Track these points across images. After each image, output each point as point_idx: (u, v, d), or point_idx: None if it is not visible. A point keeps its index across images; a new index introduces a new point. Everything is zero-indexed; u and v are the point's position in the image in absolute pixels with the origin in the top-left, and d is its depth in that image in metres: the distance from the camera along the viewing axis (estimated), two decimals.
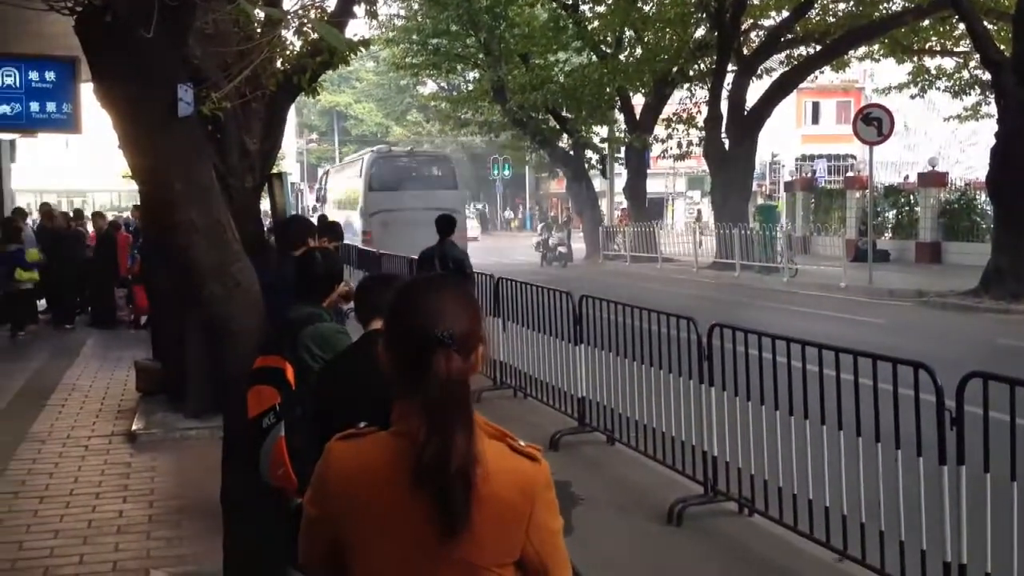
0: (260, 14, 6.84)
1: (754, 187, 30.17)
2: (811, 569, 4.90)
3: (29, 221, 17.11)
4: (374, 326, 3.21)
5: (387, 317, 1.81)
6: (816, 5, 24.32)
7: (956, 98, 26.63)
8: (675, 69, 26.90)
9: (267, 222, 11.55)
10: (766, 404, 5.36)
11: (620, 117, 30.71)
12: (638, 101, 30.01)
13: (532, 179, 57.76)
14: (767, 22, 26.68)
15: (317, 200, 32.75)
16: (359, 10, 10.84)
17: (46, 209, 16.97)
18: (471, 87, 35.01)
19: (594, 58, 28.62)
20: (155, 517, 5.80)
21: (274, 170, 9.32)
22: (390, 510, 1.68)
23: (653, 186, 35.29)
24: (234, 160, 7.91)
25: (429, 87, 44.67)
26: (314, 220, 9.92)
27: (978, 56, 18.28)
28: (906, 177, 32.08)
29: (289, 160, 51.19)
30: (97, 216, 18.09)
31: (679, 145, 27.67)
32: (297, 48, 8.08)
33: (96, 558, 5.14)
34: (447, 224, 9.75)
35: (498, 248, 37.12)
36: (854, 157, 39.27)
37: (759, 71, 25.73)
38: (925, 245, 24.50)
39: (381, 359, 1.80)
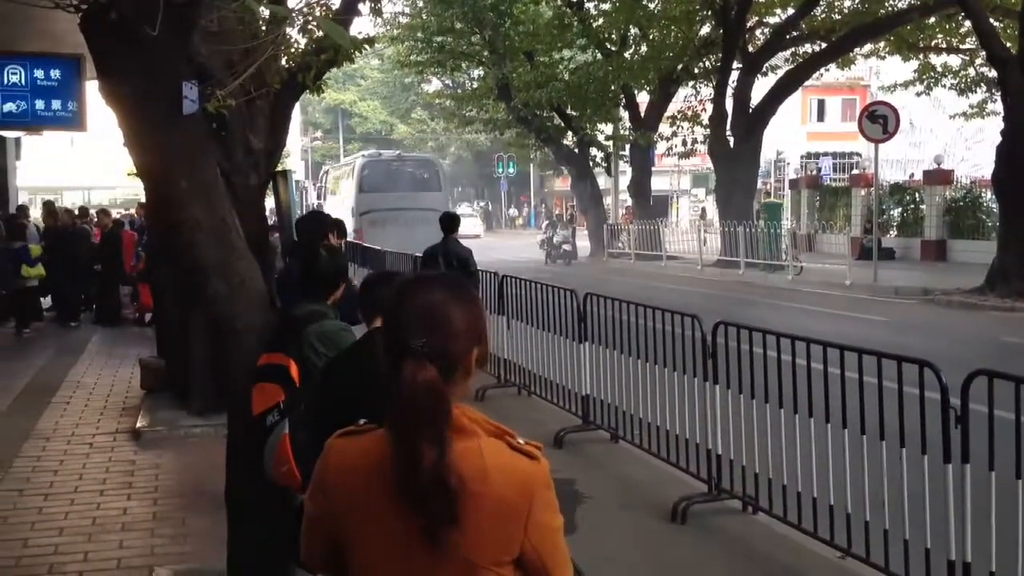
0: (265, 12, 6.84)
1: (759, 185, 30.13)
2: (815, 567, 4.90)
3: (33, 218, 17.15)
4: (376, 324, 3.22)
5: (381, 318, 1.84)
6: (821, 2, 24.30)
7: (962, 95, 26.56)
8: (680, 67, 26.88)
9: (271, 220, 11.56)
10: (770, 402, 5.35)
11: (625, 115, 30.71)
12: (643, 99, 29.99)
13: (537, 177, 57.75)
14: (772, 19, 26.64)
15: (319, 198, 33.16)
16: (364, 8, 10.83)
17: (50, 207, 17.00)
18: (476, 85, 35.04)
19: (599, 56, 28.59)
20: (159, 514, 5.81)
21: (278, 168, 9.32)
22: (387, 508, 1.69)
23: (657, 184, 35.26)
24: (239, 158, 7.91)
25: (434, 85, 44.75)
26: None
27: (984, 53, 18.26)
28: (911, 175, 32.05)
29: (293, 158, 51.22)
30: (102, 214, 18.12)
31: (684, 143, 27.66)
32: (302, 46, 8.07)
33: (100, 555, 5.15)
34: (451, 222, 9.75)
35: (502, 246, 37.13)
36: (859, 155, 39.18)
37: (764, 69, 25.70)
38: (930, 243, 24.46)
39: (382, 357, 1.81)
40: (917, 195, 26.09)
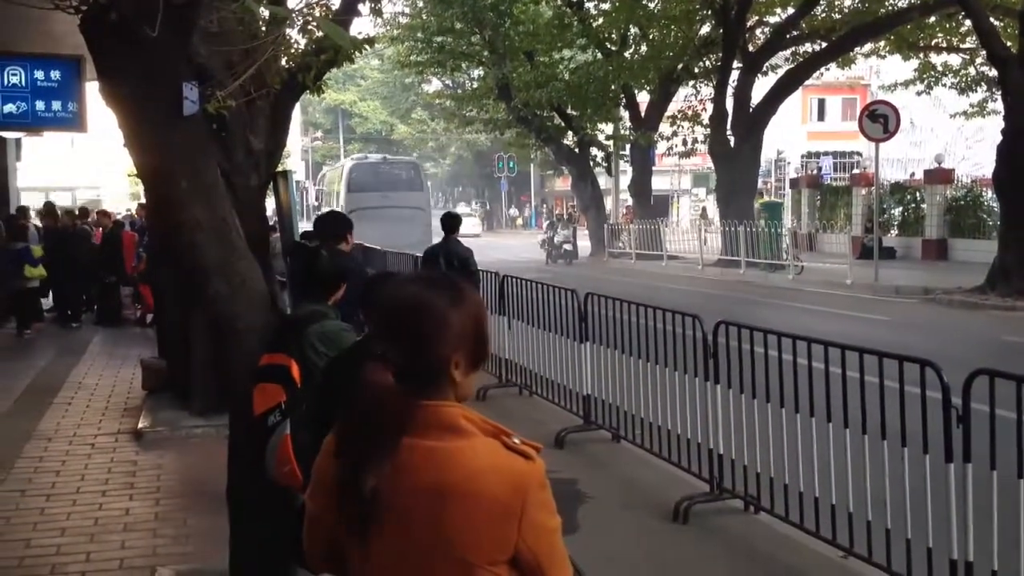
0: (265, 12, 6.84)
1: (759, 184, 30.12)
2: (817, 567, 4.90)
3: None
4: None
5: None
6: (822, 2, 24.30)
7: (962, 95, 26.56)
8: (680, 66, 26.88)
9: (272, 220, 11.56)
10: (772, 402, 5.35)
11: (625, 114, 30.72)
12: (643, 98, 29.99)
13: (537, 177, 57.76)
14: (772, 19, 26.65)
15: (317, 199, 33.62)
16: (364, 8, 10.82)
17: (50, 208, 17.00)
18: (476, 85, 35.07)
19: (599, 55, 28.59)
20: (161, 515, 5.81)
21: (279, 168, 9.33)
22: None
23: (658, 183, 35.27)
24: (239, 158, 7.90)
25: (434, 85, 44.77)
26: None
27: (984, 52, 18.24)
28: (912, 174, 32.04)
29: (294, 158, 51.30)
30: (102, 215, 18.12)
31: (684, 142, 27.67)
32: (302, 46, 8.07)
33: (102, 556, 5.15)
34: (451, 222, 9.75)
35: (503, 245, 37.13)
36: (860, 154, 39.19)
37: (764, 68, 25.71)
38: (931, 242, 24.46)
39: None
40: (918, 194, 26.10)
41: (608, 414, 7.38)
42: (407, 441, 1.70)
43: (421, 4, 29.52)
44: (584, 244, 30.52)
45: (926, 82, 26.94)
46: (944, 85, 26.91)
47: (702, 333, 5.94)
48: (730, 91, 24.68)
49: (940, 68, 26.75)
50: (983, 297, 15.68)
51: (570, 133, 30.96)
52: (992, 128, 20.96)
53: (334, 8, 8.33)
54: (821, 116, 47.06)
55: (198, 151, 4.37)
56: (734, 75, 24.78)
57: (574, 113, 29.85)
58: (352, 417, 1.73)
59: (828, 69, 27.09)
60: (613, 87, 28.15)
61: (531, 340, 9.05)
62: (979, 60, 24.43)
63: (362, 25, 43.41)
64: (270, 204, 9.63)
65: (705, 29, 26.70)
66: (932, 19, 24.00)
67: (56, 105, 11.78)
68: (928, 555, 4.20)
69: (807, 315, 14.72)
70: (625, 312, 7.27)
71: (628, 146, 30.26)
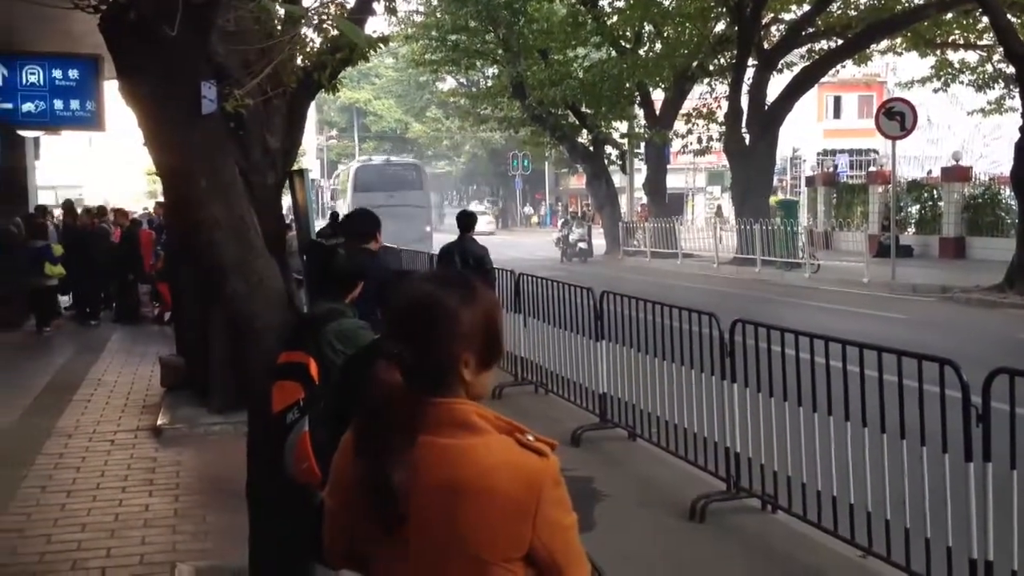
0: (280, 11, 6.86)
1: (775, 182, 30.01)
2: (835, 566, 4.88)
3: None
4: None
5: None
6: None
7: (980, 92, 26.36)
8: (695, 64, 26.81)
9: (288, 218, 11.60)
10: (789, 400, 5.34)
11: (640, 112, 30.66)
12: (658, 96, 29.95)
13: (552, 175, 57.72)
14: (788, 16, 26.53)
15: (332, 198, 34.07)
16: (378, 6, 10.84)
17: (69, 206, 17.12)
18: (490, 83, 35.09)
19: (613, 53, 28.55)
20: (180, 511, 5.85)
21: (295, 166, 9.36)
22: None
23: (673, 182, 35.21)
24: (256, 157, 7.91)
25: (448, 83, 44.83)
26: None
27: (1002, 50, 18.10)
28: (929, 172, 31.83)
29: (309, 156, 51.45)
30: (119, 214, 18.24)
31: (699, 140, 27.61)
32: (317, 45, 8.09)
33: (123, 551, 5.19)
34: (467, 220, 9.76)
35: (518, 244, 37.14)
36: (876, 152, 39.01)
37: (780, 66, 25.58)
38: (949, 240, 24.32)
39: None
40: (935, 192, 25.94)
41: (624, 412, 7.38)
42: (422, 439, 1.70)
43: (435, 2, 29.57)
44: (599, 242, 30.49)
45: (943, 79, 26.76)
46: (961, 82, 26.71)
47: (719, 331, 5.93)
48: (745, 89, 24.60)
49: (957, 65, 26.56)
50: (1001, 296, 15.58)
51: (585, 131, 30.93)
52: (1010, 125, 20.78)
53: (349, 7, 8.36)
54: (837, 113, 46.83)
55: (216, 150, 4.40)
56: (749, 72, 24.70)
57: (588, 111, 29.82)
58: (364, 416, 1.74)
59: (844, 66, 26.96)
60: (628, 85, 28.10)
61: (547, 338, 9.06)
62: (996, 57, 24.25)
63: (377, 23, 43.61)
64: (286, 202, 9.67)
65: (720, 26, 26.61)
66: (949, 16, 23.83)
67: (74, 104, 11.89)
68: (948, 554, 4.18)
69: (824, 313, 14.66)
70: (641, 310, 7.26)
71: (643, 144, 30.21)
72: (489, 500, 1.66)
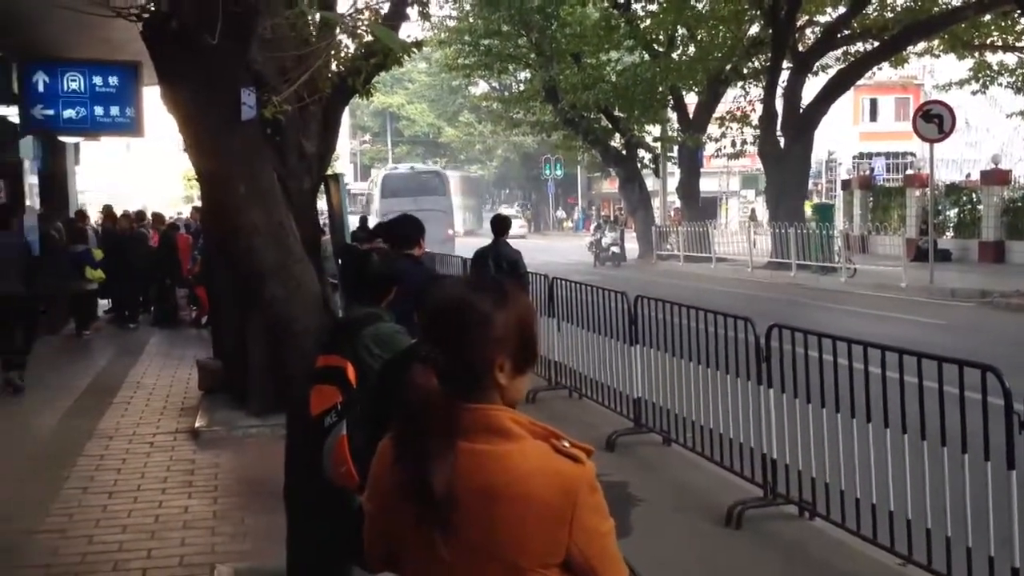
0: (316, 17, 6.93)
1: (810, 185, 29.76)
2: (874, 574, 4.83)
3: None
4: None
5: None
6: (873, 1, 23.91)
7: (1019, 94, 26.01)
8: (729, 67, 26.65)
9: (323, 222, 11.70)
10: (827, 407, 5.29)
11: (673, 116, 30.55)
12: (691, 100, 29.80)
13: (584, 179, 57.64)
14: (823, 18, 26.29)
15: (367, 203, 34.69)
16: (412, 12, 10.93)
17: (109, 211, 17.37)
18: (523, 87, 35.08)
19: (646, 57, 28.46)
20: (219, 513, 5.92)
21: (329, 171, 9.43)
22: None
23: (706, 185, 35.00)
24: (292, 162, 8.01)
25: (481, 88, 44.84)
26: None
27: None
28: (968, 175, 31.44)
29: (342, 161, 51.76)
30: (157, 218, 18.50)
31: (733, 144, 27.41)
32: (351, 50, 8.16)
33: (163, 552, 5.25)
34: (500, 224, 9.78)
35: (550, 248, 37.12)
36: (913, 155, 38.58)
37: (815, 68, 25.36)
38: (988, 244, 23.96)
39: None
40: (974, 195, 25.57)
41: (659, 417, 7.35)
42: (456, 445, 1.71)
43: (468, 7, 29.65)
44: (632, 246, 30.40)
45: (981, 81, 26.41)
46: (1000, 84, 26.35)
47: (754, 336, 5.90)
48: (780, 92, 24.41)
49: (996, 67, 26.20)
50: None
51: (617, 135, 30.85)
52: None
53: (383, 13, 8.41)
54: (873, 116, 46.35)
55: (255, 156, 4.45)
56: (784, 75, 24.50)
57: (621, 115, 29.74)
58: (401, 420, 1.74)
59: (880, 69, 26.62)
60: (661, 88, 27.98)
61: (580, 342, 9.05)
62: None
63: (410, 29, 43.90)
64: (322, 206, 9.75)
65: (754, 29, 26.43)
66: (987, 17, 23.50)
67: (114, 110, 12.07)
68: (990, 564, 4.12)
69: (860, 318, 14.51)
70: (675, 315, 7.23)
71: (676, 148, 30.07)
72: (525, 506, 1.66)
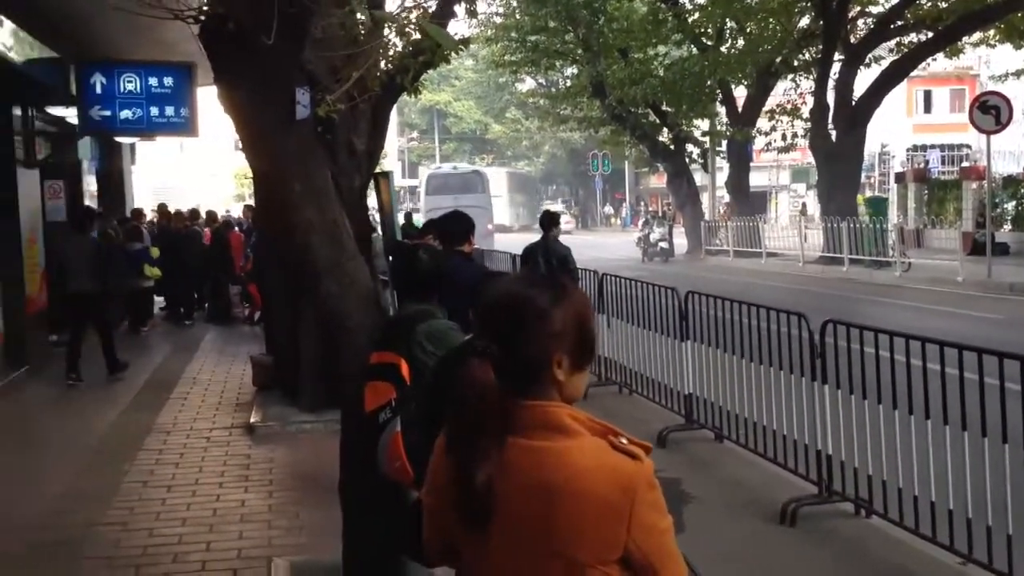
0: (364, 16, 6.98)
1: (862, 179, 29.29)
2: (933, 573, 4.76)
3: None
4: None
5: None
6: None
7: None
8: (779, 59, 26.36)
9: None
10: (884, 403, 5.22)
11: (722, 110, 30.29)
12: (740, 93, 29.52)
13: (631, 174, 57.34)
14: (875, 9, 25.85)
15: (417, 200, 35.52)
16: (459, 9, 10.96)
17: (164, 210, 17.69)
18: (570, 83, 35.05)
19: (694, 50, 28.24)
20: (275, 507, 6.00)
21: (377, 168, 9.50)
22: None
23: (756, 179, 34.69)
24: (343, 160, 8.05)
25: (528, 84, 44.93)
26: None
27: None
28: None
29: (390, 158, 52.11)
30: (209, 217, 18.80)
31: (783, 137, 27.09)
32: (399, 49, 8.20)
33: (221, 545, 5.34)
34: (549, 220, 9.77)
35: (598, 244, 37.02)
36: (969, 147, 37.80)
37: (867, 60, 24.95)
38: None
39: None
40: None
41: (711, 413, 7.30)
42: (514, 441, 1.71)
43: (515, 4, 29.65)
44: (680, 242, 30.20)
45: None
46: None
47: (808, 332, 5.83)
48: (831, 84, 24.07)
49: None
50: None
51: (665, 130, 30.68)
52: None
53: (431, 10, 8.45)
54: (927, 108, 45.49)
55: (310, 155, 4.50)
56: (835, 67, 24.14)
57: (669, 109, 29.56)
58: (456, 414, 1.75)
59: (935, 59, 26.12)
60: (709, 82, 27.77)
61: (631, 338, 9.02)
62: None
63: (457, 26, 44.09)
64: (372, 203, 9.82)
65: (804, 21, 26.09)
66: None
67: (169, 110, 12.27)
68: None
69: (916, 313, 14.26)
70: (726, 310, 7.18)
71: (725, 142, 29.82)
72: (584, 503, 1.66)
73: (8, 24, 10.04)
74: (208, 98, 13.45)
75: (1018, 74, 26.29)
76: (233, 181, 52.43)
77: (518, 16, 29.66)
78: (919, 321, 12.61)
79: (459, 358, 3.42)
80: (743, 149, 28.95)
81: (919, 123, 44.53)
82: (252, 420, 8.14)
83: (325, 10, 5.66)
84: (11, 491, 6.49)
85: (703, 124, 31.62)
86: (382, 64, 7.96)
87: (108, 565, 5.12)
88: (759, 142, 28.77)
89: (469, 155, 60.66)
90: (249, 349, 11.59)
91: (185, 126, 12.57)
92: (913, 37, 25.15)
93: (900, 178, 31.80)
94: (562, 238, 10.04)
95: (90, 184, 16.02)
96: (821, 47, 24.17)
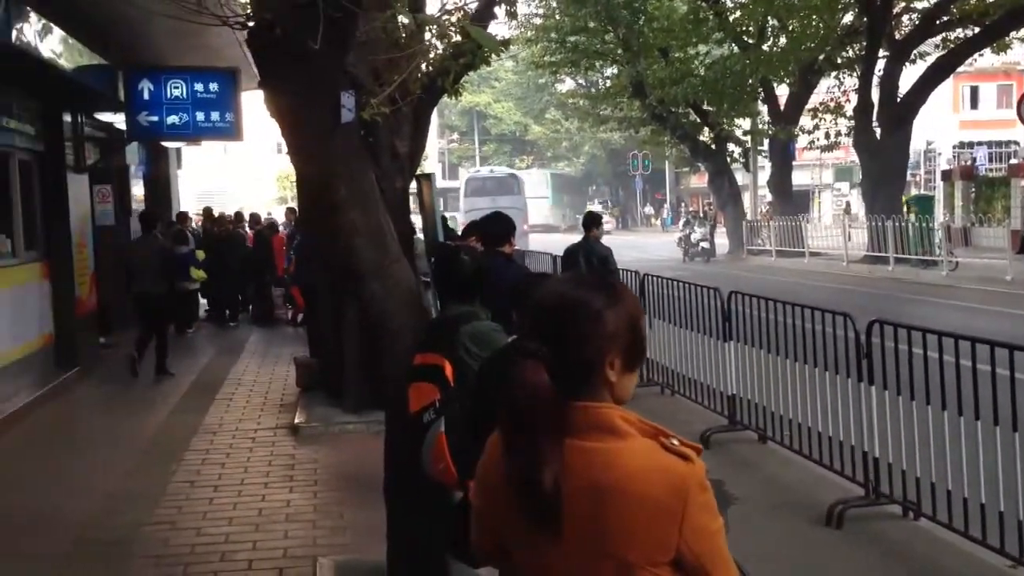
0: (406, 20, 7.03)
1: (907, 177, 28.85)
2: None
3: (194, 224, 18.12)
4: None
5: None
6: None
7: None
8: (821, 57, 26.04)
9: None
10: (932, 404, 5.14)
11: (763, 108, 30.00)
12: (782, 92, 29.22)
13: (672, 174, 57.04)
14: (920, 4, 25.44)
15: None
16: (499, 11, 11.01)
17: (209, 213, 17.93)
18: (610, 83, 34.94)
19: (736, 49, 28.01)
20: (319, 507, 6.05)
21: (418, 171, 9.56)
22: None
23: (798, 178, 34.28)
24: (386, 163, 8.15)
25: (567, 84, 44.85)
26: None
27: None
28: None
29: (431, 160, 52.35)
30: (253, 219, 19.03)
31: (827, 136, 26.77)
32: (440, 51, 8.25)
33: (267, 545, 5.40)
34: (591, 221, 9.76)
35: (638, 244, 36.89)
36: (1017, 143, 36.99)
37: (912, 56, 24.57)
38: None
39: None
40: None
41: (754, 414, 7.25)
42: (568, 442, 1.71)
43: (555, 4, 29.62)
44: (721, 242, 29.98)
45: None
46: None
47: (854, 332, 5.76)
48: (875, 81, 23.74)
49: None
50: None
51: (706, 129, 30.47)
52: None
53: (471, 13, 8.48)
54: (974, 104, 44.69)
55: (355, 158, 4.53)
56: (880, 64, 23.81)
57: (710, 109, 29.35)
58: (510, 416, 1.74)
59: (981, 55, 25.64)
60: (751, 81, 27.52)
61: (673, 339, 8.98)
62: None
63: (497, 27, 44.15)
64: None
65: (848, 17, 25.76)
66: None
67: (215, 115, 12.43)
68: None
69: (964, 313, 14.03)
70: (770, 311, 7.12)
71: (766, 141, 29.53)
72: (636, 504, 1.66)
73: (58, 32, 10.25)
74: (251, 102, 13.64)
75: None
76: (275, 184, 52.98)
77: (558, 17, 29.61)
78: (967, 321, 12.41)
79: (505, 360, 3.44)
80: (785, 148, 28.65)
81: (966, 119, 43.76)
82: (296, 421, 8.22)
83: (368, 14, 5.72)
84: (62, 491, 6.61)
85: (744, 123, 31.36)
86: (423, 67, 8.02)
87: (157, 564, 5.19)
88: (802, 140, 28.47)
89: (509, 156, 60.69)
90: (293, 350, 11.71)
91: (230, 130, 12.73)
92: (959, 32, 24.72)
93: (946, 176, 31.26)
94: (606, 240, 10.03)
95: (137, 188, 16.29)
96: (865, 44, 23.86)
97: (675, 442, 1.72)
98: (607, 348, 1.75)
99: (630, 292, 1.86)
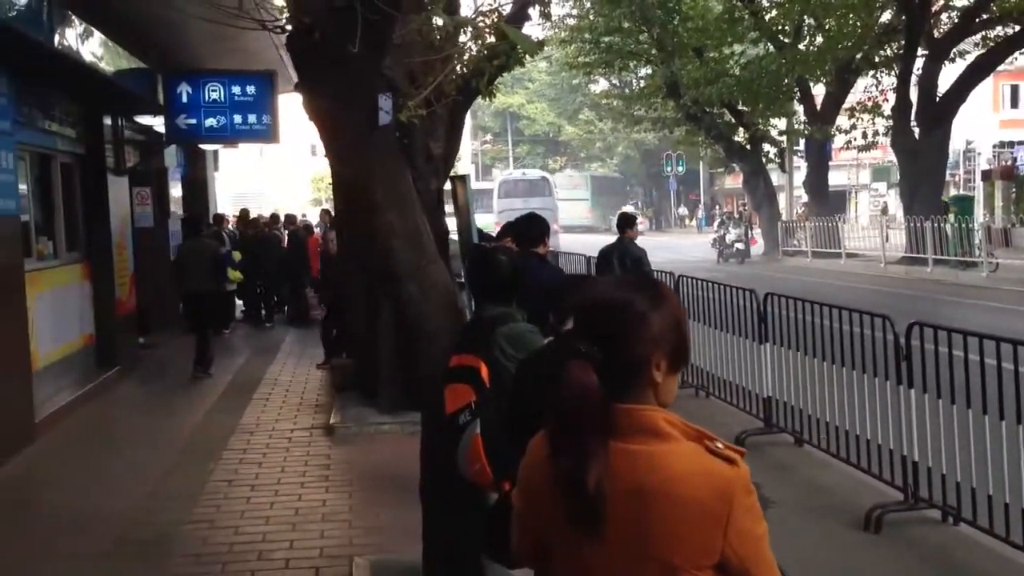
0: (440, 22, 7.05)
1: (947, 177, 28.47)
2: None
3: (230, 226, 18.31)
4: (568, 327, 3.26)
5: None
6: None
7: None
8: (859, 56, 25.77)
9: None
10: (973, 407, 5.08)
11: (799, 108, 29.74)
12: (818, 91, 28.95)
13: (706, 175, 56.71)
14: (960, 2, 25.10)
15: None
16: (533, 12, 11.02)
17: (245, 215, 18.10)
18: (644, 84, 34.83)
19: (771, 48, 27.80)
20: (355, 507, 6.09)
21: (452, 172, 9.59)
22: None
23: (834, 179, 33.97)
24: (420, 164, 8.17)
25: (601, 85, 44.72)
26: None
27: None
28: None
29: (464, 161, 52.43)
30: (288, 220, 19.20)
31: (864, 135, 26.48)
32: (474, 53, 8.26)
33: (304, 544, 5.45)
34: (625, 222, 9.73)
35: (672, 245, 36.71)
36: None
37: (951, 55, 24.24)
38: None
39: None
40: None
41: (790, 417, 7.19)
42: (612, 444, 1.71)
43: (589, 5, 29.57)
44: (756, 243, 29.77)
45: None
46: None
47: (893, 335, 5.70)
48: (914, 80, 23.44)
49: None
50: None
51: (741, 129, 30.27)
52: None
53: (505, 14, 8.49)
54: (1015, 103, 43.94)
55: (392, 160, 4.56)
56: (918, 63, 23.51)
57: (746, 109, 29.16)
58: (557, 417, 1.75)
59: (1022, 53, 25.24)
60: (787, 80, 27.29)
61: (708, 340, 8.93)
62: None
63: (531, 28, 44.24)
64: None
65: (886, 16, 25.47)
66: None
67: (252, 118, 12.56)
68: None
69: (1005, 315, 13.82)
70: (807, 312, 7.06)
71: (802, 141, 29.28)
72: (681, 507, 1.66)
73: (99, 35, 10.40)
74: (287, 104, 13.76)
75: None
76: (310, 186, 53.36)
77: (591, 17, 29.56)
78: (1008, 323, 12.21)
79: (543, 361, 3.44)
80: (822, 148, 28.39)
81: (1006, 119, 43.05)
82: (332, 421, 8.28)
83: (404, 16, 5.75)
84: (102, 490, 6.71)
85: (780, 123, 31.11)
86: (458, 69, 8.04)
87: (196, 562, 5.26)
88: (838, 140, 28.17)
89: (542, 158, 60.67)
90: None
91: (267, 133, 12.85)
92: (999, 31, 24.35)
93: (986, 176, 30.86)
94: (639, 241, 10.00)
95: (175, 190, 16.49)
96: (903, 42, 23.57)
97: (719, 445, 1.72)
98: (653, 350, 1.75)
99: (673, 294, 1.86)
